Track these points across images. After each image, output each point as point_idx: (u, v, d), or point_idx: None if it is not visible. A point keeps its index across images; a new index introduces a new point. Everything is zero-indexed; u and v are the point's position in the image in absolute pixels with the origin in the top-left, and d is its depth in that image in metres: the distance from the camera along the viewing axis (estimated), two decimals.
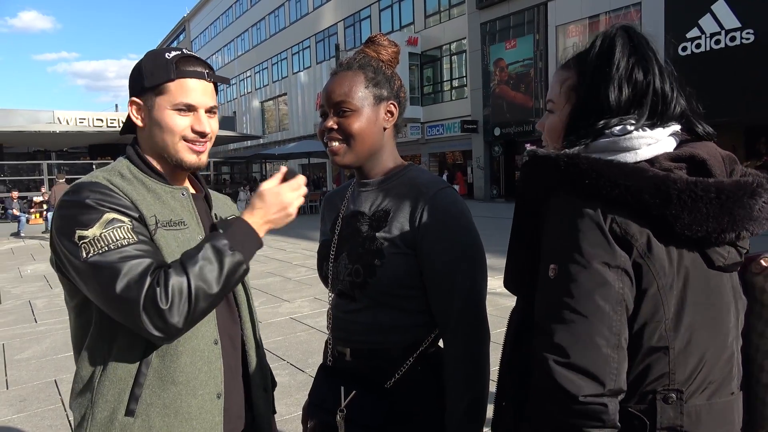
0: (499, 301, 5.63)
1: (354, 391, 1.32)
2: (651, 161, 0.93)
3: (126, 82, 1.36)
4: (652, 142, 0.94)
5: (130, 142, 1.32)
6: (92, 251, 1.07)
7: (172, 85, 1.23)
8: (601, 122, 0.96)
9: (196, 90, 1.25)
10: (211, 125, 1.28)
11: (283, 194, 1.23)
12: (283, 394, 3.81)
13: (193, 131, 1.26)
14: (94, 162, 21.03)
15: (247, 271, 1.18)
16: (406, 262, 1.29)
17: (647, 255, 0.88)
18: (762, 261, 0.95)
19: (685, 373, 0.90)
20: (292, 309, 6.38)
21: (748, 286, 0.97)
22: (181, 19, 60.67)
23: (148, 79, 1.23)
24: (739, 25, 15.44)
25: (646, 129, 0.95)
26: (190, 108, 1.24)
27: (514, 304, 1.13)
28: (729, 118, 14.18)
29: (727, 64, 15.06)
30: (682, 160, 0.94)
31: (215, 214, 1.39)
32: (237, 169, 29.05)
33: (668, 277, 0.89)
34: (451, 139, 26.15)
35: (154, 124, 1.24)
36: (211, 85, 1.28)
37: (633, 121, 0.96)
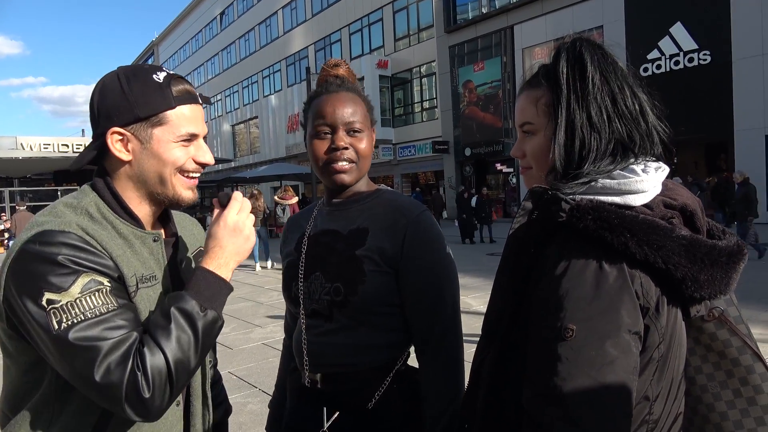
0: (476, 321, 5.61)
1: (337, 413, 1.31)
2: (649, 206, 0.91)
3: None
4: (656, 185, 0.92)
5: (95, 172, 1.13)
6: (65, 320, 0.91)
7: (173, 114, 1.07)
8: (606, 161, 0.92)
9: (197, 117, 1.11)
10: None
11: (228, 221, 1.10)
12: (255, 423, 3.71)
13: (196, 162, 1.12)
14: (59, 188, 20.52)
15: (222, 324, 1.07)
16: (387, 281, 1.30)
17: (656, 316, 0.86)
18: (713, 311, 0.96)
19: (658, 413, 0.92)
20: (264, 334, 6.26)
21: (695, 329, 0.97)
22: (150, 43, 60.32)
23: (142, 108, 1.04)
24: (696, 47, 16.07)
25: (650, 168, 0.92)
26: (192, 138, 1.11)
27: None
28: (690, 135, 14.67)
29: (687, 83, 15.61)
30: (674, 209, 0.93)
31: (182, 257, 1.24)
32: (208, 193, 28.72)
33: (666, 336, 0.88)
34: (422, 159, 26.36)
35: (151, 159, 1.08)
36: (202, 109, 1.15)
37: (633, 159, 0.93)
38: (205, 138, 1.15)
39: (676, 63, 16.47)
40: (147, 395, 0.92)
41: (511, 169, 22.34)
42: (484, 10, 22.74)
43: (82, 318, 0.92)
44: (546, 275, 0.87)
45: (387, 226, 1.32)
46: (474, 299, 7.44)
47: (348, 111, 1.32)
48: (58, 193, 17.21)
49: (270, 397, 1.67)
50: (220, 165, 37.04)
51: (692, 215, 0.94)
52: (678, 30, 16.37)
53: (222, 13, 43.38)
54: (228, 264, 1.08)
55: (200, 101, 1.13)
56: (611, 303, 0.82)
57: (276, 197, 11.40)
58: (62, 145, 22.44)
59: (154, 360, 0.93)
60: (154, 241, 1.13)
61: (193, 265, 1.28)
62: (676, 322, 0.90)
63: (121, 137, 1.07)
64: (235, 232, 1.10)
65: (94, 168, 1.14)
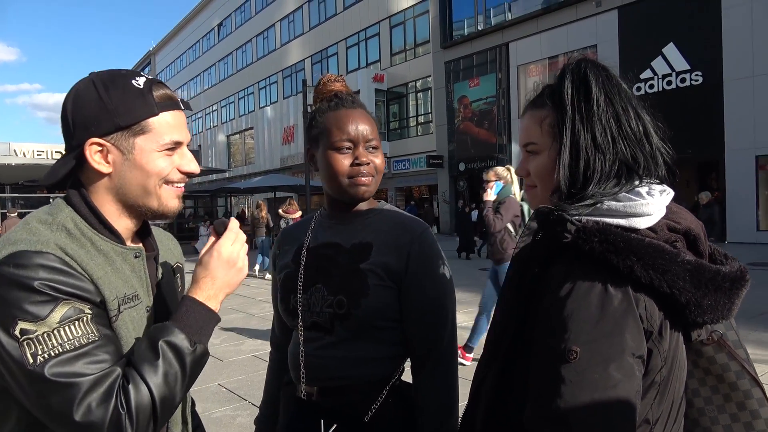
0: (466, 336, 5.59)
1: (335, 425, 1.30)
2: (654, 229, 0.91)
3: None
4: (661, 208, 0.92)
5: (69, 184, 1.05)
6: (41, 352, 0.83)
7: (156, 122, 1.00)
8: (611, 182, 0.92)
9: (180, 123, 1.05)
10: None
11: (223, 252, 1.05)
12: None
13: (181, 172, 1.06)
14: (51, 195, 20.38)
15: (208, 357, 1.02)
16: (389, 295, 1.31)
17: (659, 340, 0.86)
18: (713, 335, 0.97)
19: None
20: (255, 346, 6.21)
21: (694, 352, 0.97)
22: (147, 52, 60.44)
23: (123, 116, 0.98)
24: (688, 67, 16.27)
25: (654, 191, 0.93)
26: (176, 146, 1.04)
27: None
28: (682, 154, 14.78)
29: (679, 103, 15.76)
30: (678, 232, 0.93)
31: (162, 273, 1.18)
32: (201, 203, 28.65)
33: (668, 360, 0.88)
34: (417, 173, 26.42)
35: (134, 170, 1.01)
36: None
37: (638, 181, 0.93)
38: (190, 147, 1.11)
39: (669, 83, 16.66)
40: None
41: None
42: (480, 27, 22.96)
43: (60, 350, 0.84)
44: (550, 295, 0.87)
45: (391, 242, 1.34)
46: (466, 314, 7.42)
47: (368, 128, 1.36)
48: (50, 201, 17.05)
49: None
50: (214, 175, 37.00)
51: (696, 239, 0.94)
52: (670, 50, 16.57)
53: (220, 24, 43.58)
54: (218, 296, 1.03)
55: (182, 107, 1.07)
56: (616, 326, 0.82)
57: (281, 211, 11.52)
58: (56, 152, 22.30)
59: (139, 397, 0.88)
60: (136, 257, 1.07)
61: (175, 283, 1.23)
62: (677, 345, 0.90)
63: (100, 148, 1.00)
64: (229, 264, 1.05)
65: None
